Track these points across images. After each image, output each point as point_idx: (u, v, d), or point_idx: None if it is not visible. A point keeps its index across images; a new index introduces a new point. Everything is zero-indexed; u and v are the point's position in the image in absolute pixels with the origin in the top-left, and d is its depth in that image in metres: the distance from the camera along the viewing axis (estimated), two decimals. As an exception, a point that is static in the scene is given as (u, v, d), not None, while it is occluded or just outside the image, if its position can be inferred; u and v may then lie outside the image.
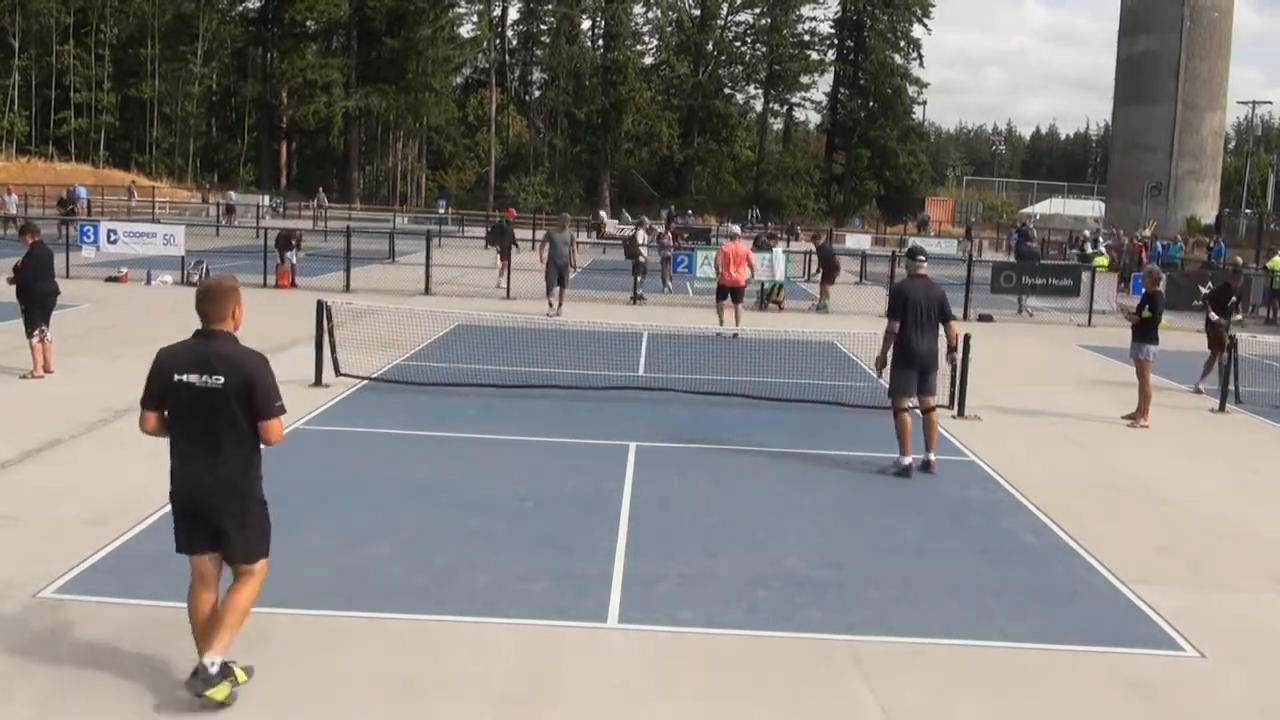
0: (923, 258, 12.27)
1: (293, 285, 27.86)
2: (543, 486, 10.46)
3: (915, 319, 11.63)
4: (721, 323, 22.39)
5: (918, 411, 11.92)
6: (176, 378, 5.71)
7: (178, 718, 5.68)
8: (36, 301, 14.60)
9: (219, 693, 5.58)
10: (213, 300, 5.87)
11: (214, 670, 5.53)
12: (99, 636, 6.57)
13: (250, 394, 5.72)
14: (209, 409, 5.69)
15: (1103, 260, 35.73)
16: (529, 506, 9.79)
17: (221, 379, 5.67)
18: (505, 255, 29.84)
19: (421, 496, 9.95)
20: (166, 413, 5.80)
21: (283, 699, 6.01)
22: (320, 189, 73.77)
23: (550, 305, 24.44)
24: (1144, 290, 15.93)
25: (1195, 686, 6.78)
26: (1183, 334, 26.09)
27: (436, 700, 6.08)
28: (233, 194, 68.17)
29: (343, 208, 71.89)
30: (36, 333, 14.50)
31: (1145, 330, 15.14)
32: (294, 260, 28.64)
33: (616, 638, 7.09)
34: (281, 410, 5.86)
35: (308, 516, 9.25)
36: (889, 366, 11.90)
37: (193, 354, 5.77)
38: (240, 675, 5.82)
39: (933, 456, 11.85)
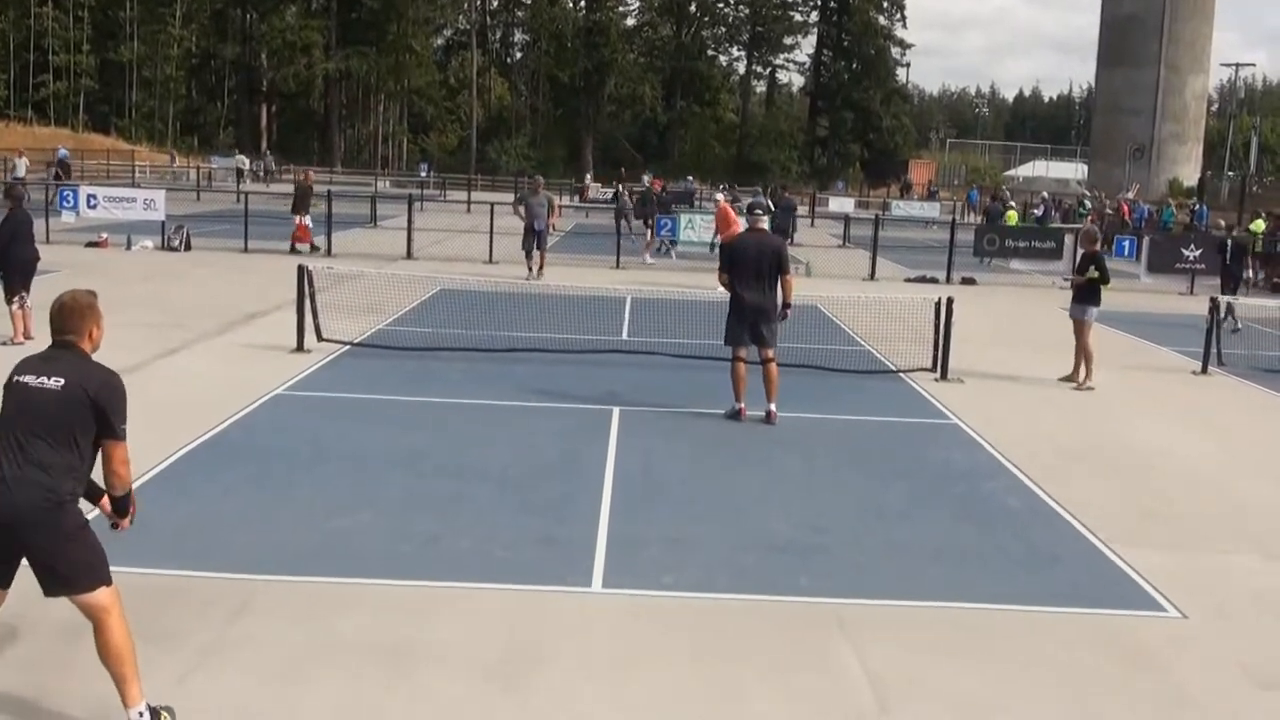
0: (760, 211, 13.05)
1: (314, 248, 27.69)
2: (526, 451, 10.45)
3: (744, 272, 11.91)
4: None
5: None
6: (16, 379, 5.23)
7: (161, 683, 5.67)
8: (16, 268, 14.53)
9: None
10: (71, 314, 5.38)
11: (146, 718, 5.24)
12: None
13: (96, 408, 5.16)
14: (43, 416, 5.12)
15: (1012, 215, 38.92)
16: (513, 472, 9.77)
17: (62, 381, 5.15)
18: (652, 227, 30.61)
19: (404, 462, 9.93)
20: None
21: (268, 667, 6.00)
22: (266, 149, 73.32)
23: (529, 270, 24.46)
24: (1084, 251, 15.90)
25: (1178, 647, 6.82)
26: (1164, 296, 26.18)
27: (424, 667, 6.07)
28: (242, 158, 67.94)
29: (324, 171, 71.41)
30: (16, 299, 14.43)
31: (1090, 291, 15.09)
32: (309, 222, 28.36)
33: (601, 603, 7.09)
34: (124, 435, 5.28)
35: (291, 482, 9.24)
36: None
37: (38, 358, 5.35)
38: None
39: (773, 408, 12.04)
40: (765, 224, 12.74)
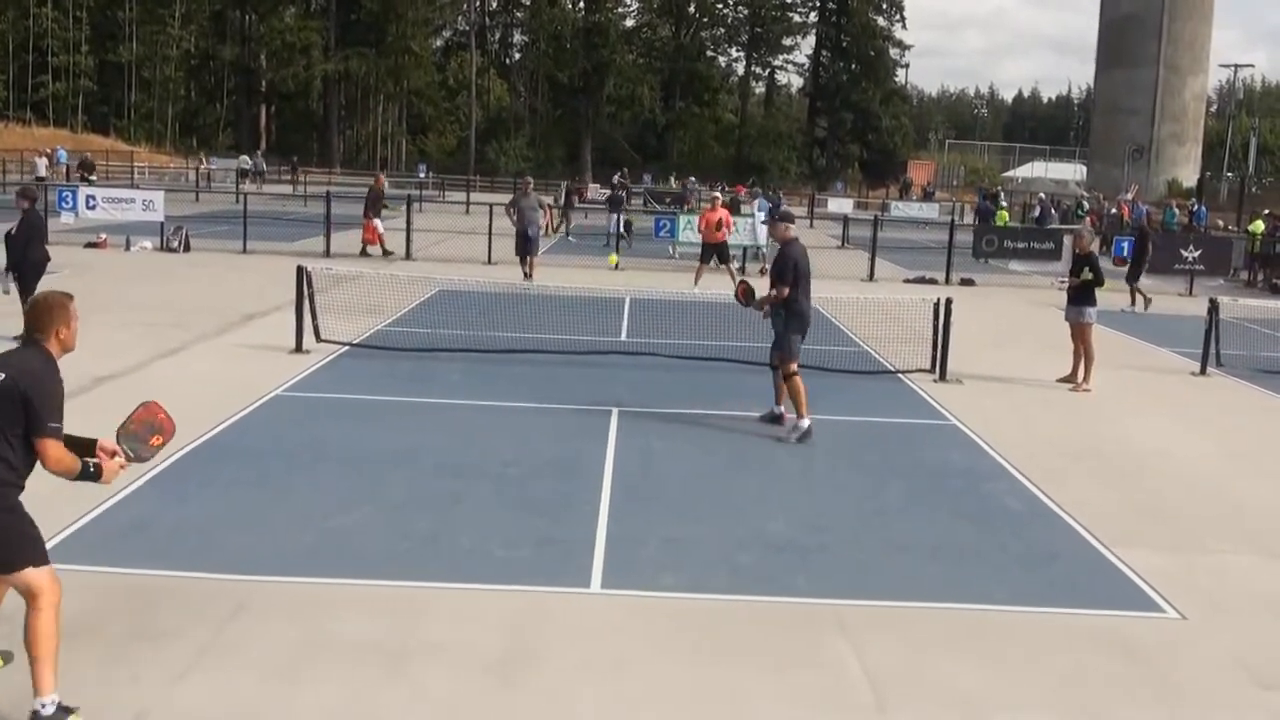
0: (791, 220, 12.54)
1: (385, 252, 27.73)
2: (525, 452, 10.45)
3: (806, 283, 11.66)
4: (696, 283, 22.91)
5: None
6: None
7: (157, 682, 5.67)
8: (30, 268, 14.60)
9: None
10: (40, 313, 5.49)
11: (48, 712, 5.15)
12: (78, 606, 6.52)
13: (25, 403, 5.19)
14: None
15: (1003, 215, 39.94)
16: (511, 472, 9.77)
17: (2, 376, 5.21)
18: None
19: (404, 462, 9.93)
20: None
21: (268, 665, 6.00)
22: (257, 152, 73.49)
23: (525, 273, 23.91)
24: (1077, 252, 15.92)
25: (1176, 647, 6.82)
26: (1163, 296, 26.17)
27: (423, 666, 6.07)
28: (245, 158, 68.14)
29: (322, 172, 71.47)
30: (28, 299, 14.51)
31: (1085, 292, 15.09)
32: (380, 226, 28.38)
33: (600, 603, 7.09)
34: (52, 433, 5.27)
35: (289, 483, 9.24)
36: (787, 330, 11.69)
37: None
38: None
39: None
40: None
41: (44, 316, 5.48)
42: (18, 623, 5.32)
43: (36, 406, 5.21)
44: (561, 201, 40.48)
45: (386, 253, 27.81)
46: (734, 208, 31.63)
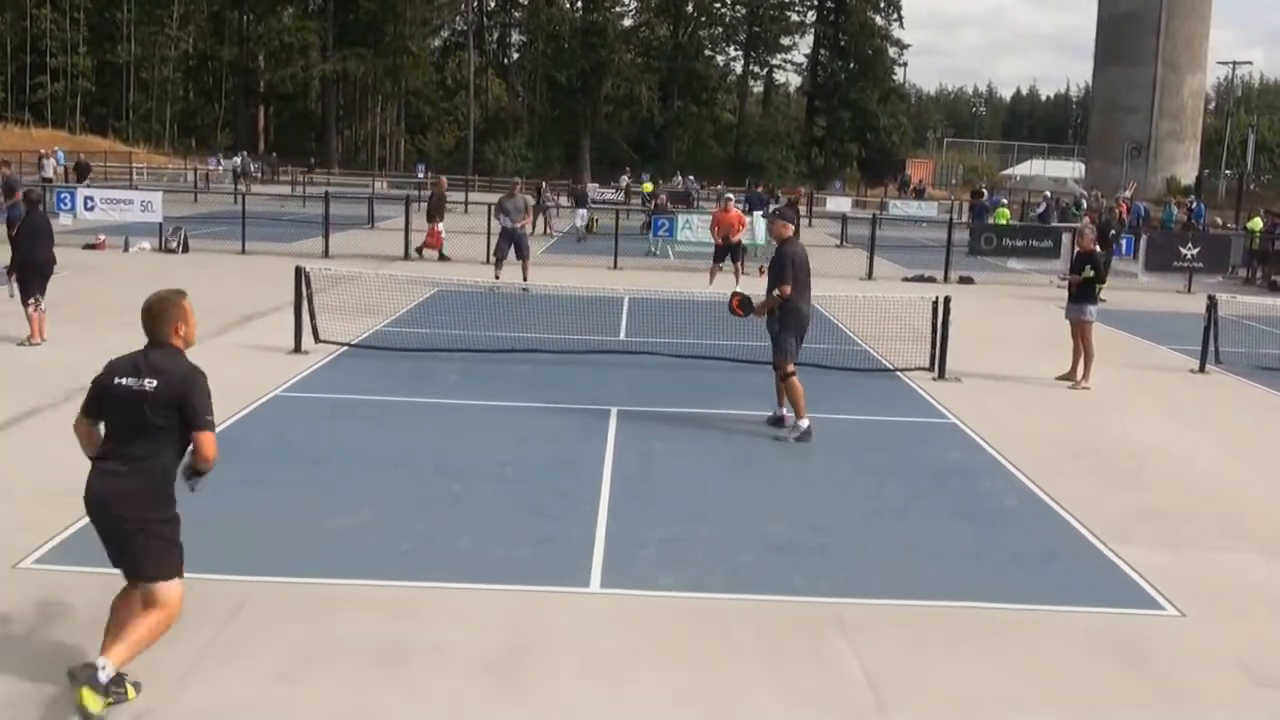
0: (791, 219, 12.31)
1: (442, 256, 27.85)
2: (524, 451, 10.45)
3: (805, 283, 11.48)
4: (711, 282, 22.88)
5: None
6: (116, 380, 5.50)
7: (157, 682, 5.67)
8: (33, 269, 14.61)
9: (91, 700, 5.13)
10: (154, 316, 5.63)
11: (104, 675, 5.19)
12: (82, 604, 6.54)
13: (181, 405, 5.48)
14: (138, 415, 5.44)
15: (1003, 213, 39.50)
16: (510, 472, 9.77)
17: (154, 383, 5.44)
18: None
19: (403, 463, 9.93)
20: (102, 424, 5.61)
21: (268, 665, 6.00)
22: (245, 153, 73.64)
23: (496, 276, 22.99)
24: (1078, 249, 15.92)
25: (1176, 645, 6.83)
26: (1162, 294, 26.19)
27: (423, 667, 6.08)
28: (237, 159, 68.23)
29: (321, 173, 71.45)
30: (31, 301, 14.52)
31: (1086, 290, 15.10)
32: (442, 229, 28.35)
33: (599, 603, 7.09)
34: (210, 425, 5.63)
35: (288, 483, 9.24)
36: (782, 331, 11.46)
37: (132, 361, 5.59)
38: (131, 693, 5.44)
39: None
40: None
41: (159, 320, 5.61)
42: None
43: (196, 406, 5.52)
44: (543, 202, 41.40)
45: (443, 256, 27.94)
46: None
